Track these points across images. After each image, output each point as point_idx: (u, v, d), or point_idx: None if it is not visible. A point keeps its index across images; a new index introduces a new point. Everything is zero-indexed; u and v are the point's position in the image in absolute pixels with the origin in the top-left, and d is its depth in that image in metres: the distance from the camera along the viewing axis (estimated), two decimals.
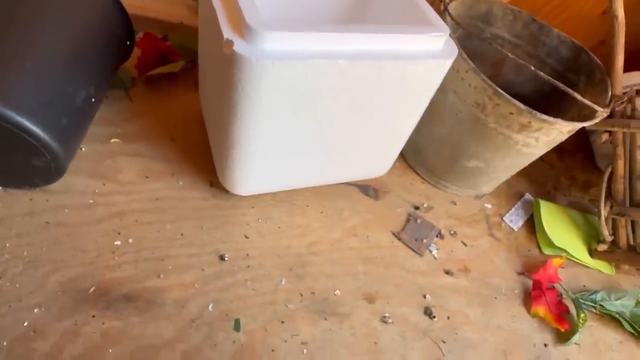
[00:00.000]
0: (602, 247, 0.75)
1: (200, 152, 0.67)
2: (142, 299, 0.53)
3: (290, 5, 0.62)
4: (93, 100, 0.57)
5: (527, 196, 0.83)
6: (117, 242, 0.56)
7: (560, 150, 0.93)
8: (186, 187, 0.64)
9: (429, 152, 0.74)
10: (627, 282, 0.76)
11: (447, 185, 0.76)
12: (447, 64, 0.54)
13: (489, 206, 0.79)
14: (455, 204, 0.76)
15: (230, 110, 0.49)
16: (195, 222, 0.61)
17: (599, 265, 0.76)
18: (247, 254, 0.60)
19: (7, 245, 0.52)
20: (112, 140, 0.65)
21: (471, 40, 0.77)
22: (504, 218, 0.78)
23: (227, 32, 0.44)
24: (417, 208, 0.73)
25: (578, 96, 0.53)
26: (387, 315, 0.59)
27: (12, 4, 0.51)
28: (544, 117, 0.57)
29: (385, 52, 0.49)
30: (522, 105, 0.57)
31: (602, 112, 0.59)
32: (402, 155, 0.80)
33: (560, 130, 0.60)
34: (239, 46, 0.43)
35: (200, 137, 0.69)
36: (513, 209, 0.80)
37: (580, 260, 0.75)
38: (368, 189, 0.73)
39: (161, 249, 0.57)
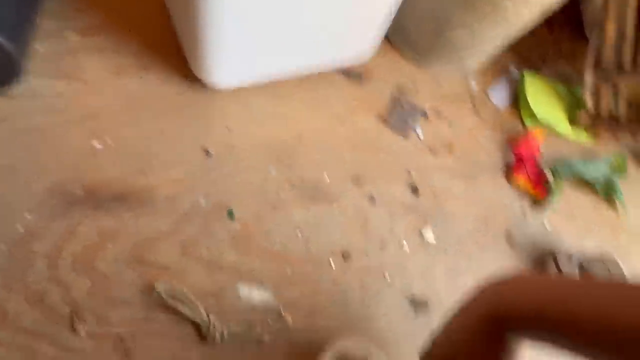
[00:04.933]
0: (583, 117, 0.76)
1: (168, 42, 0.62)
2: (133, 197, 0.53)
3: None
4: None
5: (513, 71, 0.81)
6: (96, 144, 0.54)
7: (549, 23, 0.89)
8: (159, 82, 0.60)
9: (412, 26, 0.70)
10: (604, 150, 0.79)
11: (431, 61, 0.73)
12: None
13: (474, 83, 0.77)
14: (439, 83, 0.75)
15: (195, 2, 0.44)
16: (174, 118, 0.58)
17: (579, 136, 0.78)
18: (233, 147, 0.59)
19: None
20: (67, 33, 0.59)
21: None
22: (489, 95, 0.77)
23: None
24: (402, 91, 0.71)
25: None
26: (374, 195, 0.61)
27: None
28: None
29: None
30: None
31: None
32: (387, 40, 0.75)
33: None
34: None
35: (165, 26, 0.63)
36: (498, 86, 0.78)
37: (562, 132, 0.76)
38: (352, 74, 0.70)
39: (143, 148, 0.56)
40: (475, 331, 0.33)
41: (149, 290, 0.49)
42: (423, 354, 0.40)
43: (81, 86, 0.57)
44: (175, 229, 0.52)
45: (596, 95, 0.73)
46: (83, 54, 0.59)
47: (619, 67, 0.69)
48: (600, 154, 0.78)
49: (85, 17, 0.61)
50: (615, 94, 0.72)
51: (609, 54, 0.69)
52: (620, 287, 0.28)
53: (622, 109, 0.73)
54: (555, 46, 0.88)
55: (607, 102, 0.73)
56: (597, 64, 0.70)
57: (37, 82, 0.55)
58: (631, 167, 0.80)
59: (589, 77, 0.70)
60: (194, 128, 0.59)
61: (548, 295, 0.31)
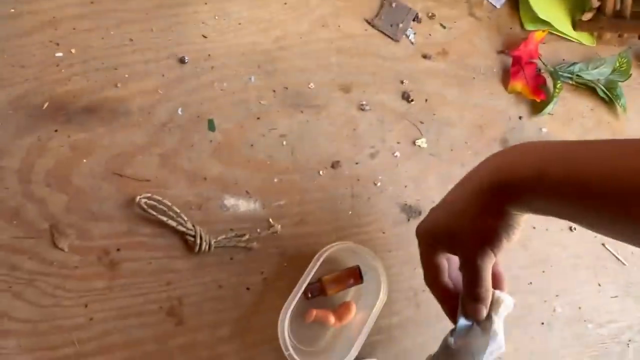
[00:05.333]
0: (587, 16, 0.71)
1: None
2: (104, 109, 0.49)
3: None
4: None
5: None
6: (59, 54, 0.50)
7: None
8: None
9: None
10: (607, 52, 0.74)
11: None
12: None
13: None
14: None
15: None
16: (142, 25, 0.53)
17: (581, 37, 0.73)
18: (209, 55, 0.54)
19: None
20: None
21: None
22: None
23: None
24: None
25: None
26: (364, 102, 0.58)
27: None
28: None
29: None
30: None
31: None
32: None
33: None
34: None
35: None
36: None
37: (563, 33, 0.72)
38: None
39: (111, 57, 0.51)
40: (475, 202, 0.32)
41: (130, 203, 0.47)
42: (420, 224, 0.39)
43: None
44: (153, 141, 0.49)
45: None
46: None
47: None
48: (602, 54, 0.74)
49: None
50: None
51: None
52: (624, 143, 0.26)
53: (628, 6, 0.68)
54: None
55: (612, 0, 0.68)
56: None
57: None
58: (635, 70, 0.76)
59: None
60: (166, 36, 0.54)
61: (549, 156, 0.29)
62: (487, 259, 0.33)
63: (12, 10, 0.50)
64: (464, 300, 0.37)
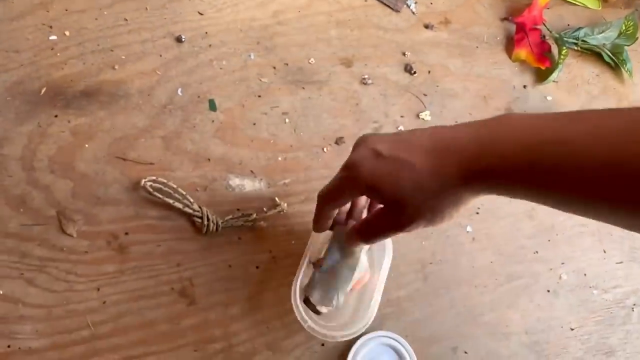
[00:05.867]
0: None
1: None
2: (103, 93, 0.49)
3: None
4: None
5: None
6: (53, 37, 0.49)
7: None
8: None
9: None
10: (613, 16, 0.72)
11: None
12: None
13: None
14: None
15: None
16: (136, 4, 0.52)
17: (586, 0, 0.71)
18: (206, 32, 0.53)
19: None
20: None
21: None
22: None
23: None
24: None
25: None
26: (366, 76, 0.57)
27: None
28: None
29: None
30: None
31: None
32: None
33: None
34: None
35: None
36: None
37: None
38: None
39: (106, 39, 0.50)
40: (444, 184, 0.29)
41: (135, 187, 0.47)
42: (366, 161, 0.32)
43: None
44: (154, 124, 0.49)
45: None
46: None
47: None
48: (608, 18, 0.72)
49: None
50: None
51: None
52: (629, 119, 0.23)
53: None
54: None
55: None
56: None
57: None
58: None
59: None
60: (161, 15, 0.52)
61: (540, 137, 0.25)
62: (410, 230, 0.31)
63: None
64: (354, 236, 0.37)
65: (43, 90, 0.47)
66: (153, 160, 0.48)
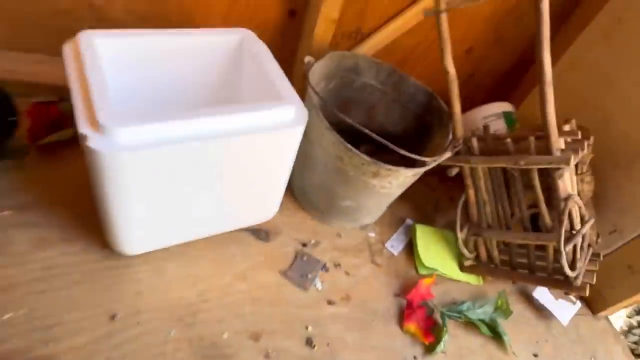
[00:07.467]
0: (467, 263, 0.87)
1: (92, 216, 0.72)
2: None
3: (157, 89, 0.68)
4: None
5: (408, 221, 0.94)
6: (8, 315, 0.60)
7: (441, 173, 1.05)
8: (79, 252, 0.68)
9: (312, 194, 0.83)
10: (493, 290, 0.88)
11: (332, 221, 0.85)
12: (299, 130, 0.63)
13: (373, 235, 0.89)
14: (340, 236, 0.86)
15: (101, 191, 0.55)
16: (88, 286, 0.65)
17: (468, 278, 0.88)
18: (139, 310, 0.65)
19: None
20: (4, 212, 0.68)
21: (346, 90, 0.87)
22: (385, 244, 0.88)
23: (83, 127, 0.50)
24: (304, 245, 0.81)
25: (399, 150, 0.63)
26: (270, 350, 0.66)
27: None
28: (388, 166, 0.67)
29: (236, 129, 0.57)
30: (367, 158, 0.67)
31: (429, 161, 0.70)
32: (293, 196, 0.88)
33: (405, 175, 0.70)
34: (94, 141, 0.49)
35: (90, 202, 0.73)
36: (395, 235, 0.90)
37: (451, 277, 0.86)
38: (260, 232, 0.80)
39: (54, 317, 0.61)
40: None
41: None
42: None
43: (5, 260, 0.64)
44: None
45: (475, 244, 0.85)
46: (12, 229, 0.67)
47: (484, 225, 0.82)
48: (488, 292, 0.87)
49: (23, 195, 0.71)
50: (489, 243, 0.84)
51: (474, 213, 0.82)
52: None
53: (496, 257, 0.85)
54: (446, 195, 1.04)
55: (484, 250, 0.85)
56: (468, 221, 0.84)
57: None
58: (520, 304, 0.89)
59: (460, 234, 0.83)
60: (105, 294, 0.65)
61: None
62: None
63: None
64: None
65: None
66: None
